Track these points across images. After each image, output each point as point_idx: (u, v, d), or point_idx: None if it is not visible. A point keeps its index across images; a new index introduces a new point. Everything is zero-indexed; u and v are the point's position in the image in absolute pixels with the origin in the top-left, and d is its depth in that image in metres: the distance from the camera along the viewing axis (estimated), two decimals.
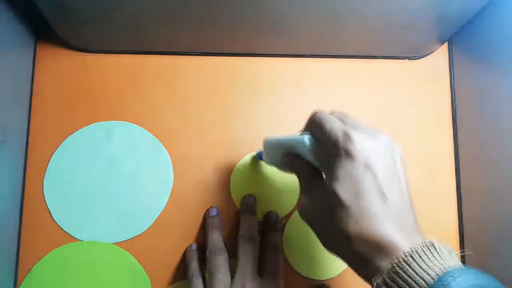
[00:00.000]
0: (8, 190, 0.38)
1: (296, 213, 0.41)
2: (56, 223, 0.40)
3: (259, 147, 0.42)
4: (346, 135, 0.26)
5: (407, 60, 0.45)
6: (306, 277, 0.40)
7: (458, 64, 0.44)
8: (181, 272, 0.40)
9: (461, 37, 0.43)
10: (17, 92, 0.40)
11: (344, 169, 0.25)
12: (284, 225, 0.40)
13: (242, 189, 0.41)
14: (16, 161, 0.40)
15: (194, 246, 0.39)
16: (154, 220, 0.40)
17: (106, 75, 0.43)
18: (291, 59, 0.44)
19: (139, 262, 0.39)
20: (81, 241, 0.40)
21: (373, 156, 0.25)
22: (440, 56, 0.45)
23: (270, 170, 0.41)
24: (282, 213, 0.41)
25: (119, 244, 0.40)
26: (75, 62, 0.43)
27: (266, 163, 0.38)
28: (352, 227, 0.24)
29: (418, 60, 0.45)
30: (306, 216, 0.28)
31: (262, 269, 0.35)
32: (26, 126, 0.41)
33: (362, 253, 0.24)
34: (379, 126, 0.42)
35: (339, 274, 0.40)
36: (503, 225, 0.36)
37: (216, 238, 0.37)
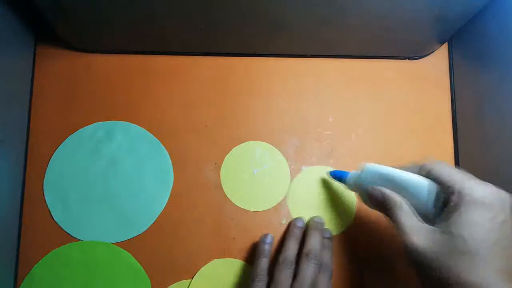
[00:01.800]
0: (8, 190, 0.38)
1: (303, 171, 0.41)
2: (56, 223, 0.40)
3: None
4: (477, 184, 0.26)
5: (407, 60, 0.45)
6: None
7: (458, 64, 0.44)
8: (181, 272, 0.40)
9: (461, 37, 0.43)
10: (17, 92, 0.40)
11: (476, 217, 0.25)
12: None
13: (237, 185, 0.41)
14: (16, 161, 0.40)
15: (268, 239, 0.38)
16: (154, 220, 0.40)
17: (106, 75, 0.43)
18: (291, 59, 0.44)
19: (139, 262, 0.39)
20: (81, 241, 0.40)
21: (504, 212, 0.25)
22: (440, 56, 0.45)
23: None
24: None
25: (119, 244, 0.40)
26: (75, 62, 0.43)
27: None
28: (475, 278, 0.24)
29: (418, 60, 0.45)
30: (421, 259, 0.26)
31: None
32: (26, 126, 0.41)
33: None
34: (379, 126, 0.43)
35: (342, 232, 0.41)
36: None
37: (293, 247, 0.37)
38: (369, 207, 0.34)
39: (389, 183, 0.31)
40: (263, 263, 0.37)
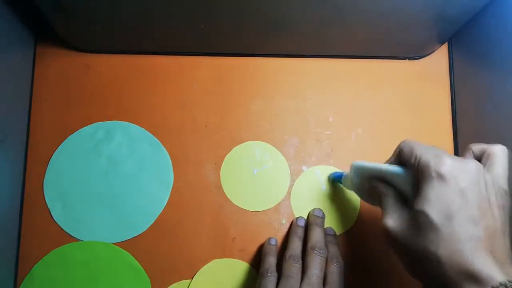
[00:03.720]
0: (8, 190, 0.38)
1: (304, 171, 0.42)
2: (56, 223, 0.40)
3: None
4: (438, 158, 0.26)
5: (407, 60, 0.45)
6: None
7: (458, 64, 0.44)
8: (181, 272, 0.40)
9: (461, 37, 0.43)
10: (17, 92, 0.40)
11: (436, 191, 0.25)
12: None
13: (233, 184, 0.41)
14: (16, 161, 0.40)
15: (273, 241, 0.39)
16: (154, 220, 0.40)
17: (106, 75, 0.43)
18: (291, 59, 0.44)
19: (139, 262, 0.39)
20: (81, 241, 0.40)
21: (465, 180, 0.25)
22: (440, 56, 0.45)
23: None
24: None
25: (119, 244, 0.40)
26: (75, 62, 0.43)
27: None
28: (444, 250, 0.24)
29: (418, 60, 0.45)
30: (393, 238, 0.27)
31: (325, 283, 0.35)
32: (26, 126, 0.41)
33: (451, 278, 0.24)
34: (379, 126, 0.43)
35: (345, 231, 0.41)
36: None
37: (297, 245, 0.38)
38: (369, 203, 0.35)
39: (375, 176, 0.32)
40: (272, 260, 0.37)
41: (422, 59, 0.45)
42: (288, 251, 0.37)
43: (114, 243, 0.40)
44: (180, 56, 0.43)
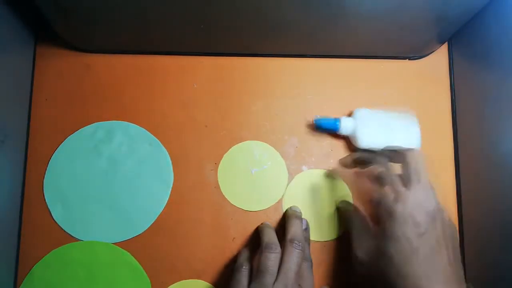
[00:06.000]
0: (8, 190, 0.38)
1: (304, 171, 0.42)
2: (56, 223, 0.40)
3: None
4: (398, 196, 0.31)
5: (407, 60, 0.45)
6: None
7: (458, 64, 0.44)
8: (181, 272, 0.40)
9: (461, 37, 0.43)
10: (17, 92, 0.40)
11: (396, 230, 0.29)
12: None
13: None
14: (16, 161, 0.40)
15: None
16: (154, 220, 0.40)
17: (106, 75, 0.43)
18: (291, 59, 0.44)
19: (139, 262, 0.39)
20: (81, 241, 0.40)
21: (423, 220, 0.29)
22: (440, 56, 0.45)
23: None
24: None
25: (119, 244, 0.40)
26: (75, 62, 0.43)
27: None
28: (402, 283, 0.28)
29: (418, 60, 0.45)
30: (361, 266, 0.32)
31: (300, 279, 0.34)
32: (26, 126, 0.41)
33: None
34: None
35: (337, 238, 0.41)
36: (504, 225, 0.36)
37: (272, 234, 0.37)
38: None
39: (382, 124, 0.38)
40: (245, 252, 0.37)
41: (422, 59, 0.45)
42: (263, 240, 0.36)
43: (114, 243, 0.40)
44: (180, 56, 0.43)
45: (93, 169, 0.41)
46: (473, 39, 0.41)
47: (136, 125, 0.42)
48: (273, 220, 0.41)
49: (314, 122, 0.41)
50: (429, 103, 0.44)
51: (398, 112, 0.41)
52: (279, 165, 0.42)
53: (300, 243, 0.34)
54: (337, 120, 0.40)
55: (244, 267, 0.35)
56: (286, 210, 0.41)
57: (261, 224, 0.40)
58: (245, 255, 0.37)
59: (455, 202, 0.43)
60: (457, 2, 0.34)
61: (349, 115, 0.43)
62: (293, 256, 0.34)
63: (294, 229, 0.36)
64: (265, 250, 0.34)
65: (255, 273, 0.34)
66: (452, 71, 0.44)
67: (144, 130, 0.42)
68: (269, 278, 0.32)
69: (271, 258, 0.34)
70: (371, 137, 0.39)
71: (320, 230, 0.40)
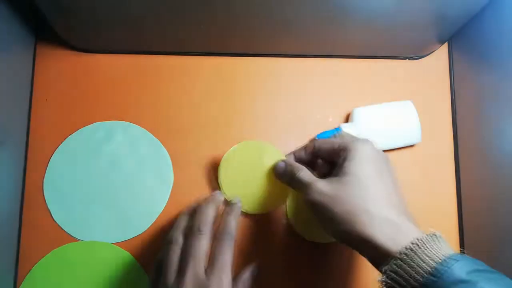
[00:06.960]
0: (8, 190, 0.38)
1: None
2: (56, 223, 0.40)
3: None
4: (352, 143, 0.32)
5: (407, 60, 0.45)
6: (309, 240, 0.40)
7: (458, 64, 0.44)
8: None
9: (461, 37, 0.43)
10: (17, 92, 0.40)
11: (357, 167, 0.30)
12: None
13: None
14: (16, 161, 0.40)
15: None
16: (154, 220, 0.40)
17: (106, 75, 0.43)
18: (292, 59, 0.44)
19: (139, 262, 0.39)
20: (81, 241, 0.40)
21: (378, 160, 0.32)
22: (440, 56, 0.45)
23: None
24: (276, 205, 0.40)
25: (119, 244, 0.40)
26: (75, 62, 0.43)
27: None
28: (362, 204, 0.29)
29: (418, 60, 0.45)
30: (320, 202, 0.31)
31: (211, 261, 0.31)
32: (26, 126, 0.41)
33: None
34: None
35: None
36: (504, 225, 0.36)
37: (211, 215, 0.34)
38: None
39: (381, 122, 0.40)
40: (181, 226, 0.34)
41: (422, 59, 0.45)
42: (194, 220, 0.33)
43: (114, 243, 0.40)
44: (181, 56, 0.43)
45: (93, 169, 0.41)
46: (473, 39, 0.41)
47: (136, 125, 0.42)
48: (274, 220, 0.41)
49: (316, 139, 0.41)
50: (429, 103, 0.44)
51: (395, 104, 0.42)
52: None
53: (202, 230, 0.32)
54: (337, 129, 0.41)
55: (174, 243, 0.32)
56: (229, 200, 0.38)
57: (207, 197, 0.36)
58: (181, 226, 0.34)
59: (455, 202, 0.43)
60: (457, 2, 0.35)
61: (349, 115, 0.43)
62: (226, 246, 0.32)
63: (197, 217, 0.33)
64: (197, 231, 0.32)
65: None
66: (452, 71, 0.44)
67: (144, 130, 0.42)
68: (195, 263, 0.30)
69: (175, 251, 0.32)
70: (373, 138, 0.39)
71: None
